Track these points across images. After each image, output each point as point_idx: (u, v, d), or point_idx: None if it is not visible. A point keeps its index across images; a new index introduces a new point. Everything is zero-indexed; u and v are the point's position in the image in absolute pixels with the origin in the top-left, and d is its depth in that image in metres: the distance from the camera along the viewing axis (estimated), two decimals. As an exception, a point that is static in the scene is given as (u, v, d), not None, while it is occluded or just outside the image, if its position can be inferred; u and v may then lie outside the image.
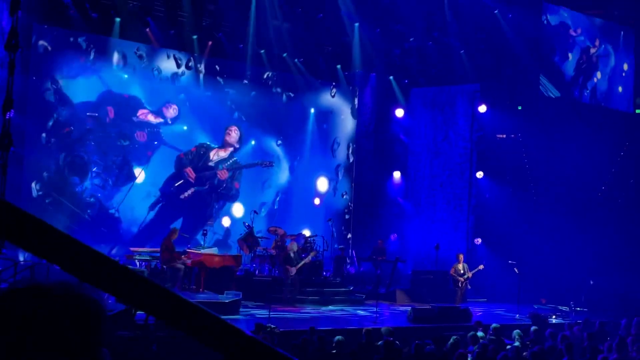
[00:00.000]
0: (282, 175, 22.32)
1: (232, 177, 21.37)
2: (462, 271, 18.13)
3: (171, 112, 20.27)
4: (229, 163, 21.21)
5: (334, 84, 22.98)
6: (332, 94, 23.08)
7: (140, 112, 19.70)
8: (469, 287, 18.61)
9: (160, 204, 19.97)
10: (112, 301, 13.55)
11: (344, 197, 23.40)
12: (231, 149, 21.31)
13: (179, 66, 20.06)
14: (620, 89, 22.72)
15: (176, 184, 20.32)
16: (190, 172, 20.53)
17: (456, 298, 17.96)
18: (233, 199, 21.43)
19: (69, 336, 1.33)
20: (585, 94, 22.17)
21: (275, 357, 1.18)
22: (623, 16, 22.46)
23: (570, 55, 21.76)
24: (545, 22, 20.96)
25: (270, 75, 21.65)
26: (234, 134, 21.25)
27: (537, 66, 20.98)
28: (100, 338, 1.38)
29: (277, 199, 22.18)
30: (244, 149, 21.56)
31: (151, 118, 19.92)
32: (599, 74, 22.37)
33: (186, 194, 20.52)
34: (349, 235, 23.20)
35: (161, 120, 20.10)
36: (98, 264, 1.16)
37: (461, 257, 18.45)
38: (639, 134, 22.64)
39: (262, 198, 21.84)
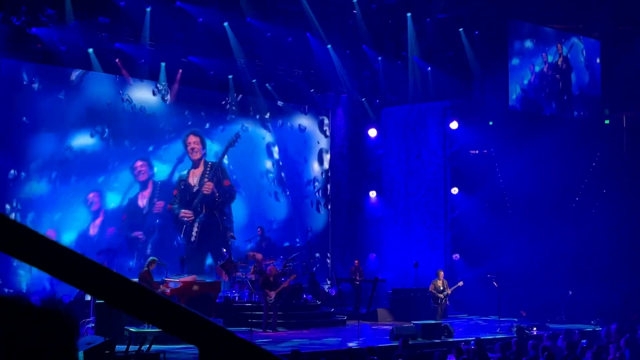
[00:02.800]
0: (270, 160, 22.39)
1: (217, 180, 20.86)
2: (441, 287, 18.12)
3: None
4: (207, 172, 20.76)
5: (306, 106, 23.01)
6: (305, 117, 23.09)
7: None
8: (448, 303, 18.61)
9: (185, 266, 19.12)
10: (91, 334, 13.40)
11: (309, 233, 22.99)
12: (202, 160, 20.78)
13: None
14: (598, 60, 23.10)
15: (181, 234, 20.21)
16: (185, 213, 20.31)
17: (437, 315, 17.95)
18: (233, 197, 21.22)
19: (45, 346, 1.33)
20: (575, 102, 22.59)
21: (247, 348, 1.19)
22: (587, 29, 22.89)
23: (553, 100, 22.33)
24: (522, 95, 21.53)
25: (241, 99, 21.53)
26: (195, 146, 20.62)
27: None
28: (74, 354, 1.38)
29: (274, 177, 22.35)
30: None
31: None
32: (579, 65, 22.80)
33: (194, 234, 20.32)
34: (329, 261, 23.04)
35: (176, 192, 20.19)
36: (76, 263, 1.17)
37: (441, 273, 18.41)
38: (609, 144, 22.97)
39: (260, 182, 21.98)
